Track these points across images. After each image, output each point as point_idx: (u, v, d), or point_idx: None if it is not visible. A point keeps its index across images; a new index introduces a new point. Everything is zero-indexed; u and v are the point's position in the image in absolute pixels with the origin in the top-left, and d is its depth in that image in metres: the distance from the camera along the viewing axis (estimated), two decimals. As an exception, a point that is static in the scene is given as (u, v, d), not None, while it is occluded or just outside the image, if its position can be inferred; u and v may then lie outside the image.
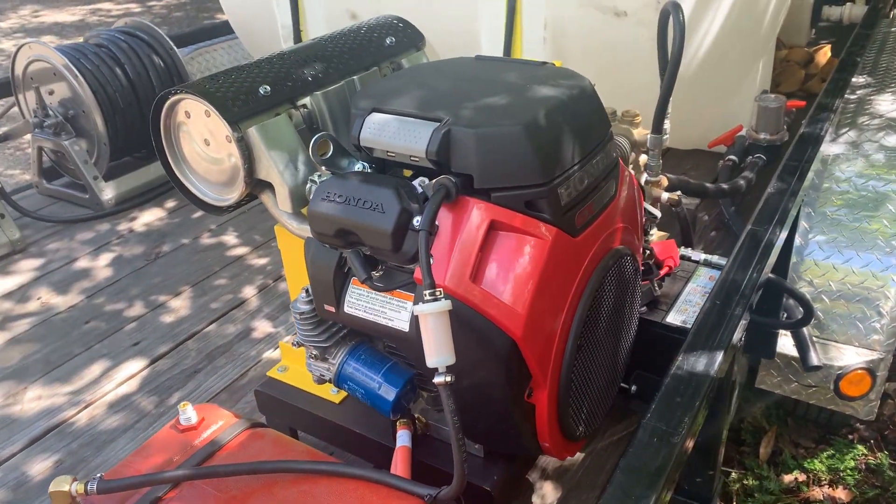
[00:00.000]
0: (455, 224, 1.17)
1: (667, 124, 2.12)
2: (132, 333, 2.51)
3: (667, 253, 1.90)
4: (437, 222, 1.18)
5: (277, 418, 1.76)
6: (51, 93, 3.34)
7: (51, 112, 3.29)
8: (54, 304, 2.70)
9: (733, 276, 1.68)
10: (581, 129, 1.26)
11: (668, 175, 2.29)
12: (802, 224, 2.37)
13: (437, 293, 1.06)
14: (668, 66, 1.87)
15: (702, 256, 2.04)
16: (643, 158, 2.27)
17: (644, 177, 2.06)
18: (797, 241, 2.36)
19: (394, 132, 1.19)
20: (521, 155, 1.15)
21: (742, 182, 2.78)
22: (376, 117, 1.23)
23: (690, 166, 3.44)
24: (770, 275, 1.98)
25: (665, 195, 2.00)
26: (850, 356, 2.39)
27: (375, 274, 1.25)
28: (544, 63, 1.43)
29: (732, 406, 2.19)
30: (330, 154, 1.25)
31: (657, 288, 1.75)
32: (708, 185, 2.55)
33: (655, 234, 2.09)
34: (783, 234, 1.88)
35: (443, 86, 1.30)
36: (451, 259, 1.16)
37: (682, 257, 2.05)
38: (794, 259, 2.37)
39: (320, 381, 1.45)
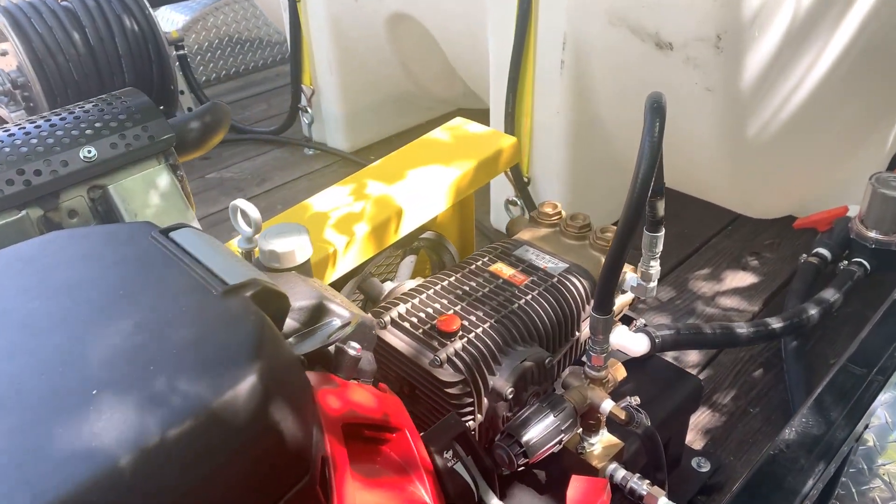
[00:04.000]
0: None
1: (654, 267, 1.32)
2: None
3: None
4: None
5: None
6: (3, 54, 2.89)
7: (-2, 77, 2.84)
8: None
9: None
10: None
11: (659, 331, 1.47)
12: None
13: None
14: (629, 197, 1.08)
15: (661, 506, 1.24)
16: (620, 301, 1.48)
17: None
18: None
19: None
20: None
21: (813, 312, 1.88)
22: None
23: (769, 242, 2.51)
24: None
25: (607, 405, 1.21)
26: None
27: None
28: (240, 287, 0.71)
29: None
30: None
31: None
32: (741, 328, 1.68)
33: (600, 445, 1.31)
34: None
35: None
36: None
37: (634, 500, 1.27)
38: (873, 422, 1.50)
39: None
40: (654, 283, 1.35)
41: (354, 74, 2.97)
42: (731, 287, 2.32)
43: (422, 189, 1.38)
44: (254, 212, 0.93)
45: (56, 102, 2.81)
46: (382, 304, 1.32)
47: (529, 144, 2.28)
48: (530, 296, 1.32)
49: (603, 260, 1.39)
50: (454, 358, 1.19)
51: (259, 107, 3.69)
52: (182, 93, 3.24)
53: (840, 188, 2.28)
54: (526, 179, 2.35)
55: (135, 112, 1.00)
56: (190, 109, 3.27)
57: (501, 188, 2.43)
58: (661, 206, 1.24)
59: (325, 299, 0.82)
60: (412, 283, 1.43)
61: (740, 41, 1.72)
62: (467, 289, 1.34)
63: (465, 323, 1.25)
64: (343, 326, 0.78)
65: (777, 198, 2.34)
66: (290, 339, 0.80)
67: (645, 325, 1.51)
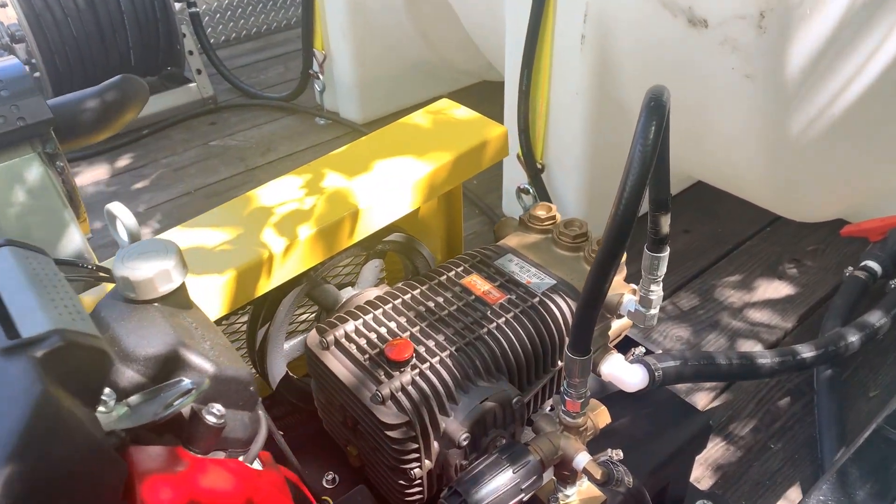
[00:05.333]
0: None
1: (654, 292, 1.10)
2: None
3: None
4: None
5: None
6: (3, 5, 2.76)
7: (-4, 30, 2.72)
8: None
9: None
10: None
11: (661, 363, 1.25)
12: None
13: None
14: (612, 216, 0.86)
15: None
16: (616, 325, 1.26)
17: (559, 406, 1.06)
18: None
19: None
20: None
21: (853, 339, 1.64)
22: None
23: (812, 248, 2.24)
24: None
25: (582, 459, 1.01)
26: None
27: None
28: (30, 344, 0.52)
29: None
30: None
31: None
32: (763, 357, 1.45)
33: (577, 498, 1.11)
34: None
35: None
36: None
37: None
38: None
39: None
40: (654, 311, 1.13)
41: (369, 40, 2.75)
42: (764, 298, 2.07)
43: (388, 184, 1.17)
44: (128, 218, 0.75)
45: (54, 59, 2.68)
46: (333, 318, 1.13)
47: (545, 127, 2.05)
48: (504, 319, 1.11)
49: (598, 277, 1.17)
50: (400, 394, 1.00)
51: (275, 70, 3.51)
52: (191, 53, 3.07)
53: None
54: (540, 166, 2.12)
55: (3, 87, 0.82)
56: (199, 71, 3.11)
57: (514, 174, 2.21)
58: (665, 223, 1.02)
59: (184, 347, 0.64)
60: (374, 293, 1.24)
61: (788, 21, 1.46)
62: (432, 305, 1.14)
63: (421, 349, 1.06)
64: (187, 392, 0.59)
65: (824, 200, 2.07)
66: (133, 398, 0.62)
67: (646, 354, 1.30)
